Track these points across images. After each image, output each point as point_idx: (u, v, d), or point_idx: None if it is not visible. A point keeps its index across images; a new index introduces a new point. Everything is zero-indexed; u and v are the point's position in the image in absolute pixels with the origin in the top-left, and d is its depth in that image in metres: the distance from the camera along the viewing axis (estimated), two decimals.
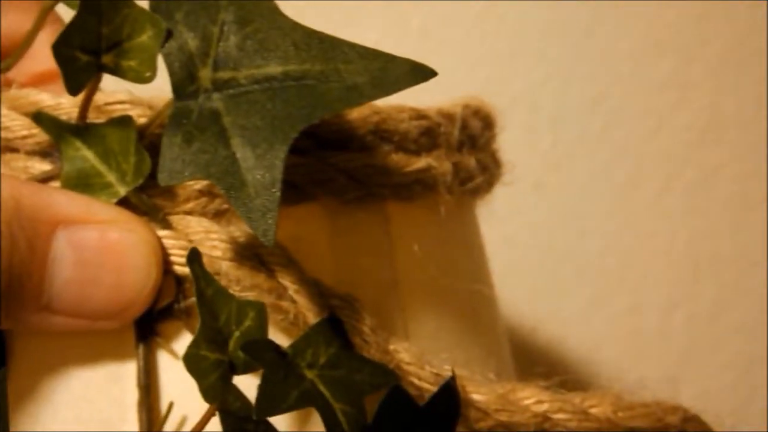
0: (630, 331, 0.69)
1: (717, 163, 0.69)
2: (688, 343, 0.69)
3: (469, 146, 0.39)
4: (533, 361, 0.66)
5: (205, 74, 0.33)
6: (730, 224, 0.69)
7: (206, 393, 0.33)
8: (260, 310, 0.34)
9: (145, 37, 0.33)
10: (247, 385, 0.34)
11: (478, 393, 0.36)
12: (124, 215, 0.35)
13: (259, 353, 0.33)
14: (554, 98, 0.67)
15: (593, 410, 0.37)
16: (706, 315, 0.69)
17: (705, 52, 0.68)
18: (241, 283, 0.34)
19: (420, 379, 0.36)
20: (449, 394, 0.34)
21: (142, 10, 0.33)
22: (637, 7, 0.67)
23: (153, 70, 0.33)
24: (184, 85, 0.33)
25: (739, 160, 0.69)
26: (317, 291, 0.35)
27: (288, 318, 0.35)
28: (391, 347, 0.36)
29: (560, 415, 0.37)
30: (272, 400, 0.32)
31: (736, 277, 0.69)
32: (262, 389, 0.32)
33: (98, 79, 0.34)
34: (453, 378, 0.35)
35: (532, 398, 0.37)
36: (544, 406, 0.37)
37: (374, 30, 0.65)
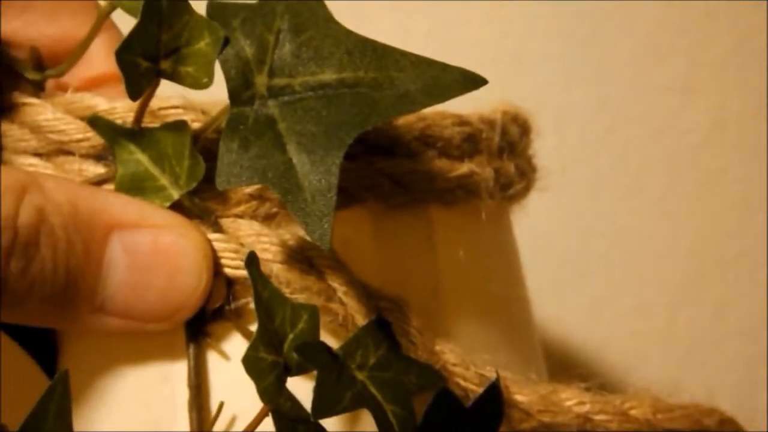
0: (633, 332, 0.70)
1: (720, 166, 0.70)
2: (691, 344, 0.70)
3: (508, 152, 0.40)
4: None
5: (261, 81, 0.34)
6: (733, 226, 0.70)
7: (263, 394, 0.33)
8: (313, 312, 0.34)
9: (203, 44, 0.34)
10: (296, 386, 0.34)
11: (521, 394, 0.37)
12: (177, 219, 0.35)
13: (313, 355, 0.34)
14: (559, 100, 0.68)
15: (633, 412, 0.38)
16: (708, 316, 0.70)
17: (709, 55, 0.69)
18: (291, 286, 0.35)
19: (465, 379, 0.36)
20: (494, 395, 0.35)
21: (200, 17, 0.34)
22: (641, 11, 0.68)
23: (210, 76, 0.34)
24: (240, 91, 0.34)
25: (743, 162, 0.70)
26: (365, 293, 0.36)
27: (337, 320, 0.35)
28: (437, 348, 0.37)
29: (601, 416, 0.37)
30: (328, 401, 0.33)
31: (738, 278, 0.70)
32: (318, 391, 0.33)
33: (156, 85, 0.35)
34: (497, 379, 0.35)
35: (574, 399, 0.37)
36: (586, 407, 0.37)
37: (382, 32, 0.65)
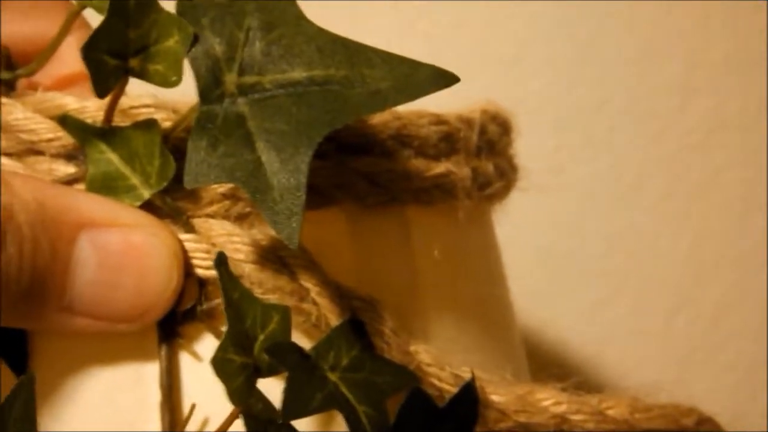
0: (633, 334, 0.70)
1: (720, 167, 0.69)
2: (690, 346, 0.70)
3: (487, 151, 0.40)
4: (535, 364, 0.67)
5: (231, 79, 0.34)
6: (732, 227, 0.70)
7: (233, 396, 0.33)
8: (284, 313, 0.34)
9: (172, 42, 0.34)
10: (268, 387, 0.34)
11: (497, 394, 0.37)
12: (147, 219, 0.35)
13: (284, 356, 0.33)
14: (558, 102, 0.68)
15: (610, 412, 0.37)
16: (708, 318, 0.70)
17: (708, 56, 0.68)
18: (263, 286, 0.35)
19: (440, 380, 0.36)
20: (468, 395, 0.35)
21: (169, 14, 0.34)
22: (641, 11, 0.68)
23: (179, 74, 0.34)
24: (209, 89, 0.34)
25: (742, 163, 0.69)
26: (339, 293, 0.36)
27: (310, 320, 0.35)
28: (412, 348, 0.36)
29: (578, 417, 0.37)
30: (298, 402, 0.33)
31: (738, 280, 0.70)
32: (287, 392, 0.33)
33: (125, 83, 0.34)
34: (472, 379, 0.35)
35: (551, 399, 0.37)
36: (563, 408, 0.37)
37: (380, 34, 0.65)
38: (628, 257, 0.69)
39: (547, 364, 0.69)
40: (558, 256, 0.69)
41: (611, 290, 0.69)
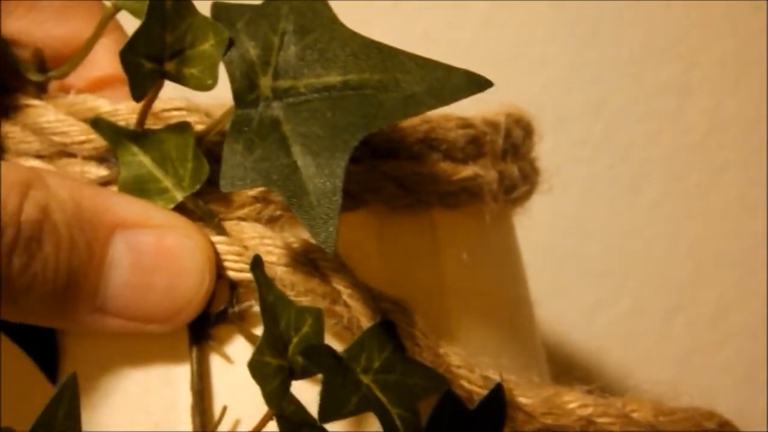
0: (631, 334, 0.70)
1: (718, 167, 0.69)
2: (689, 346, 0.70)
3: (512, 155, 0.40)
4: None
5: (266, 83, 0.34)
6: (731, 228, 0.70)
7: (269, 398, 0.33)
8: (318, 316, 0.34)
9: (208, 46, 0.34)
10: (299, 390, 0.34)
11: (525, 396, 0.37)
12: (181, 221, 0.35)
13: (318, 358, 0.33)
14: (556, 102, 0.68)
15: (635, 414, 0.38)
16: (707, 318, 0.70)
17: (706, 56, 0.69)
18: (295, 288, 0.35)
19: (470, 382, 0.36)
20: (497, 397, 0.35)
21: (205, 18, 0.34)
22: (639, 12, 0.68)
23: (214, 77, 0.34)
24: (244, 93, 0.34)
25: (740, 164, 0.69)
26: (370, 295, 0.36)
27: (342, 322, 0.35)
28: (442, 351, 0.36)
29: (604, 419, 0.37)
30: (334, 405, 0.33)
31: (737, 280, 0.70)
32: (324, 395, 0.33)
33: (160, 86, 0.35)
34: (501, 383, 0.35)
35: (577, 402, 0.37)
36: (589, 410, 0.37)
37: (379, 34, 0.65)
38: (627, 257, 0.70)
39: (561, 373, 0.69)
40: (557, 256, 0.69)
41: (611, 290, 0.70)
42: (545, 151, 0.66)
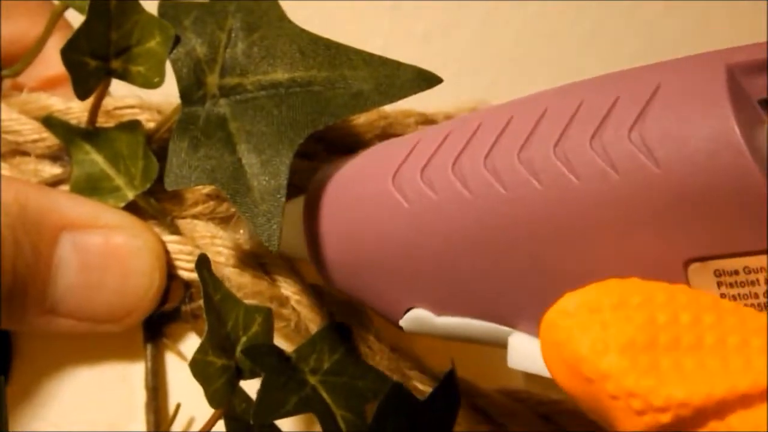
0: None
1: None
2: None
3: None
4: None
5: (213, 80, 0.33)
6: None
7: (212, 398, 0.33)
8: (267, 315, 0.34)
9: (154, 43, 0.34)
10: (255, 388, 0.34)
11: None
12: (129, 220, 0.35)
13: (261, 358, 0.33)
14: None
15: None
16: None
17: None
18: (243, 290, 0.35)
19: (422, 382, 0.36)
20: (449, 386, 0.34)
21: (151, 16, 0.34)
22: (640, 13, 0.67)
23: (161, 75, 0.34)
24: (191, 90, 0.33)
25: None
26: (320, 300, 0.35)
27: (290, 326, 0.35)
28: (395, 354, 0.36)
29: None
30: (271, 404, 0.32)
31: None
32: (260, 394, 0.32)
33: (107, 84, 0.34)
34: (452, 370, 0.34)
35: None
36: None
37: (379, 35, 0.65)
38: None
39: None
40: None
41: None
42: None
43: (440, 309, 0.30)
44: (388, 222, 0.30)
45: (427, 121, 0.38)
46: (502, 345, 0.30)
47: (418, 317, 0.31)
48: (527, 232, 0.27)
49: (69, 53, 0.33)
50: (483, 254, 0.28)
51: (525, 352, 0.29)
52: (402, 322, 0.31)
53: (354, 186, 0.31)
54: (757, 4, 0.66)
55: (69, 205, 0.34)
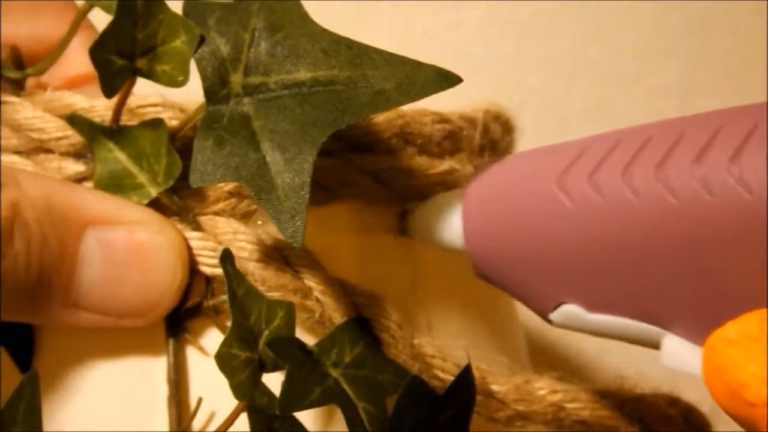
0: None
1: None
2: None
3: (490, 150, 0.40)
4: (535, 364, 0.67)
5: (236, 79, 0.34)
6: None
7: (237, 390, 0.33)
8: (289, 309, 0.35)
9: (179, 42, 0.34)
10: (276, 382, 0.34)
11: (497, 384, 0.37)
12: (153, 217, 0.36)
13: (284, 350, 0.34)
14: (558, 103, 0.68)
15: (603, 400, 0.38)
16: None
17: (708, 56, 0.68)
18: (267, 284, 0.35)
19: (444, 371, 0.37)
20: (466, 381, 0.35)
21: (176, 15, 0.34)
22: (641, 12, 0.68)
23: (186, 74, 0.34)
24: (215, 89, 0.34)
25: None
26: (342, 291, 0.36)
27: (314, 317, 0.36)
28: (416, 341, 0.37)
29: (574, 405, 0.38)
30: (295, 396, 0.33)
31: None
32: (285, 385, 0.33)
33: (132, 83, 0.35)
34: (469, 366, 0.35)
35: (547, 389, 0.38)
36: (559, 396, 0.38)
37: (380, 34, 0.65)
38: None
39: (546, 365, 0.69)
40: None
41: None
42: None
43: (593, 307, 0.32)
44: (549, 220, 0.32)
45: (443, 120, 0.39)
46: (652, 345, 0.32)
47: (569, 313, 0.33)
48: (693, 243, 0.30)
49: (97, 52, 0.33)
50: (645, 258, 0.31)
51: (680, 356, 0.31)
52: (552, 316, 0.33)
53: (517, 183, 0.34)
54: (757, 4, 0.67)
55: (94, 201, 0.35)
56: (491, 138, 0.40)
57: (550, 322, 0.34)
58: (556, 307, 0.33)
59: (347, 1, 0.64)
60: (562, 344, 0.69)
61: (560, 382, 0.38)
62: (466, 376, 0.35)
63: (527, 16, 0.67)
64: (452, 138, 0.39)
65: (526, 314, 0.63)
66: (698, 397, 0.60)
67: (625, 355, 0.68)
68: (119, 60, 0.34)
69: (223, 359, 0.33)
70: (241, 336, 0.34)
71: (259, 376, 0.34)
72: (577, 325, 0.33)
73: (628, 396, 0.39)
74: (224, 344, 0.33)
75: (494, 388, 0.37)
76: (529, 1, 0.67)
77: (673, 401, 0.39)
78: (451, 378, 0.36)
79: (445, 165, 0.38)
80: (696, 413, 0.40)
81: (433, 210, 0.36)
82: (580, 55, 0.68)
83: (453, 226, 0.36)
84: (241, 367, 0.33)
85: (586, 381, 0.40)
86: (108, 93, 0.34)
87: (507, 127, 0.42)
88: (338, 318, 0.36)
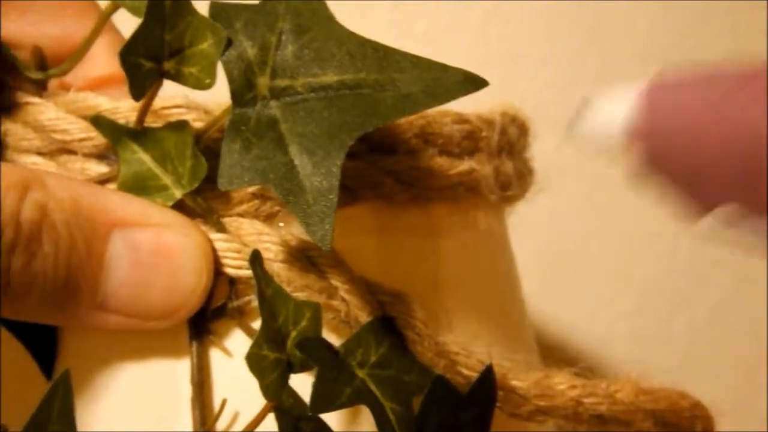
0: (631, 335, 0.70)
1: None
2: (690, 347, 0.70)
3: (507, 152, 0.41)
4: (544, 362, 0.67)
5: (263, 82, 0.34)
6: None
7: (266, 391, 0.33)
8: (316, 310, 0.35)
9: (206, 45, 0.34)
10: (298, 384, 0.35)
11: (518, 380, 0.38)
12: (179, 219, 0.36)
13: (314, 351, 0.34)
14: (558, 101, 0.68)
15: (619, 394, 0.39)
16: (707, 319, 0.70)
17: (708, 56, 0.69)
18: (292, 284, 0.35)
19: (468, 367, 0.37)
20: (487, 381, 0.36)
21: (203, 18, 0.34)
22: (639, 12, 0.68)
23: (213, 77, 0.34)
24: (242, 92, 0.34)
25: None
26: (367, 290, 0.36)
27: (339, 316, 0.36)
28: (440, 339, 0.37)
29: (591, 399, 0.39)
30: (326, 397, 0.33)
31: (737, 281, 0.70)
32: (316, 386, 0.33)
33: (159, 85, 0.35)
34: (491, 366, 0.36)
35: (566, 383, 0.38)
36: (577, 391, 0.38)
37: (380, 33, 0.66)
38: (628, 257, 0.70)
39: (546, 364, 0.69)
40: (557, 256, 0.69)
41: (611, 290, 0.70)
42: (547, 151, 0.67)
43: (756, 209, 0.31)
44: (736, 121, 0.32)
45: (462, 120, 0.39)
46: None
47: (730, 215, 0.32)
48: None
49: (127, 55, 0.33)
50: None
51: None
52: (711, 216, 0.33)
53: (704, 88, 0.34)
54: (757, 4, 0.67)
55: (120, 203, 0.35)
56: (508, 140, 0.41)
57: (705, 226, 0.33)
58: (717, 207, 0.33)
59: (347, 1, 0.64)
60: (560, 344, 0.69)
61: (577, 377, 0.39)
62: (487, 375, 0.35)
63: (526, 17, 0.68)
64: (471, 138, 0.39)
65: (531, 313, 0.63)
66: (736, 408, 0.61)
67: (629, 354, 0.69)
68: (147, 63, 0.34)
69: (253, 360, 0.33)
70: (270, 337, 0.34)
71: (288, 377, 0.34)
72: (733, 229, 0.33)
73: (642, 389, 0.39)
74: (254, 345, 0.33)
75: (516, 383, 0.38)
76: (529, 1, 0.67)
77: (683, 394, 0.40)
78: (475, 375, 0.36)
79: (465, 165, 0.39)
80: (702, 408, 0.41)
81: (606, 103, 0.36)
82: (580, 55, 0.68)
83: (626, 116, 0.35)
84: (270, 368, 0.34)
85: (598, 376, 0.40)
86: (137, 96, 0.34)
87: (523, 129, 0.42)
88: (364, 317, 0.36)
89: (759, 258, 0.35)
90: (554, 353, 0.69)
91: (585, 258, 0.69)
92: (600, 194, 0.69)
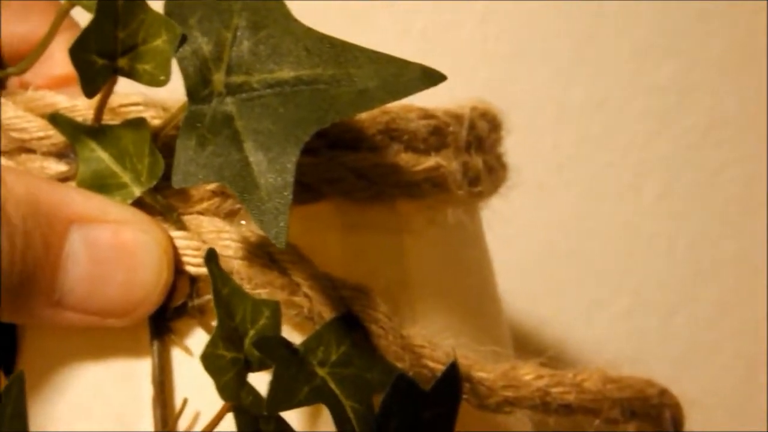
0: (630, 334, 0.70)
1: (718, 166, 0.69)
2: (689, 346, 0.70)
3: (476, 147, 0.40)
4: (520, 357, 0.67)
5: (219, 78, 0.34)
6: (730, 227, 0.70)
7: (223, 390, 0.33)
8: (275, 308, 0.34)
9: (160, 42, 0.34)
10: (261, 382, 0.34)
11: (484, 371, 0.37)
12: (138, 216, 0.36)
13: (271, 350, 0.34)
14: (555, 100, 0.68)
15: (586, 384, 0.39)
16: (707, 318, 0.70)
17: (706, 54, 0.68)
18: (253, 281, 0.35)
19: (433, 360, 0.37)
20: (452, 376, 0.35)
21: (157, 15, 0.34)
22: (639, 10, 0.68)
23: (167, 73, 0.34)
24: (197, 89, 0.34)
25: (740, 162, 0.69)
26: (330, 285, 0.36)
27: (302, 313, 0.35)
28: (405, 332, 0.37)
29: (558, 389, 0.38)
30: (283, 395, 0.33)
31: (736, 279, 0.70)
32: (273, 385, 0.33)
33: (113, 82, 0.35)
34: (454, 362, 0.35)
35: (532, 374, 0.38)
36: (544, 381, 0.38)
37: (377, 33, 0.65)
38: (626, 256, 0.69)
39: (545, 365, 0.69)
40: (556, 255, 0.69)
41: (610, 289, 0.69)
42: (546, 150, 0.66)
43: None
44: None
45: (428, 116, 0.38)
46: None
47: None
48: None
49: (77, 52, 0.33)
50: None
51: None
52: None
53: None
54: (757, 4, 0.67)
55: (79, 199, 0.35)
56: (477, 135, 0.40)
57: None
58: None
59: (346, 1, 0.64)
60: (560, 344, 0.69)
61: (544, 367, 0.39)
62: (451, 371, 0.35)
63: (524, 15, 0.67)
64: (438, 134, 0.39)
65: (523, 314, 0.63)
66: (735, 407, 0.60)
67: (619, 355, 0.69)
68: (100, 59, 0.34)
69: (208, 360, 0.33)
70: (227, 336, 0.33)
71: (245, 376, 0.34)
72: None
73: (609, 378, 0.39)
74: (210, 345, 0.33)
75: (482, 375, 0.37)
76: (528, 1, 0.67)
77: (651, 382, 0.40)
78: (441, 367, 0.36)
79: (431, 161, 0.38)
80: (670, 396, 0.41)
81: None
82: (578, 54, 0.68)
83: None
84: (227, 368, 0.33)
85: (569, 367, 0.40)
86: (89, 93, 0.34)
87: (494, 124, 0.42)
88: (327, 312, 0.36)
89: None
90: (552, 353, 0.68)
91: (583, 257, 0.69)
92: (598, 193, 0.69)
